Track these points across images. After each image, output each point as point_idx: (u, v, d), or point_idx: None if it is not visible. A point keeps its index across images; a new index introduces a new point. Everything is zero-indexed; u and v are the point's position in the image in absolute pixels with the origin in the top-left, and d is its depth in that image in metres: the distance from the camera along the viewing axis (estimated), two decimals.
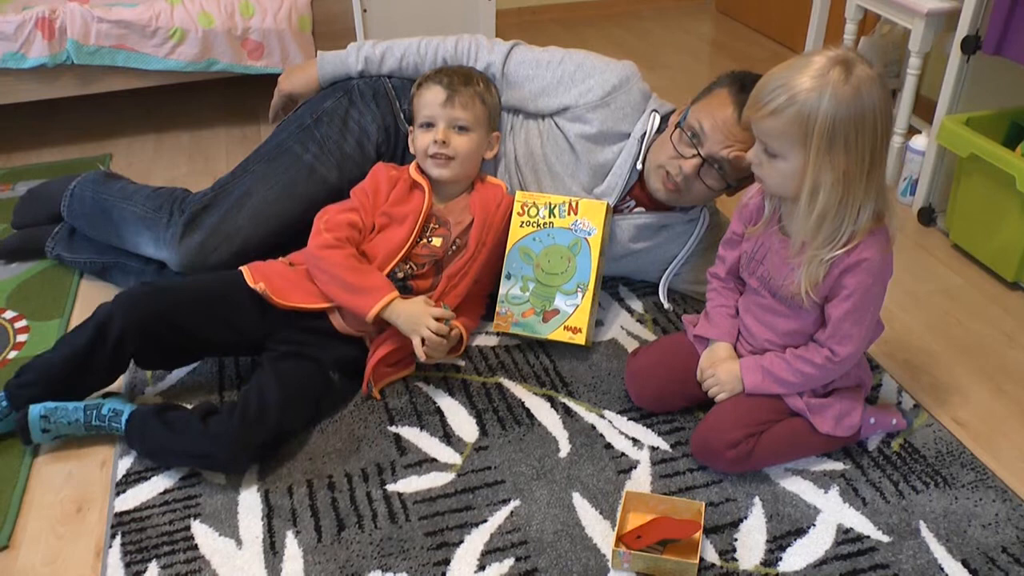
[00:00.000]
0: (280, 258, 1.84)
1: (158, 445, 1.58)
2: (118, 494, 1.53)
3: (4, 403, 1.63)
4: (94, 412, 1.61)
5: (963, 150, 2.13)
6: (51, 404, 1.58)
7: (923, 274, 2.17)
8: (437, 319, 1.67)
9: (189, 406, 1.66)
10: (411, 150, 1.87)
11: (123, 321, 1.61)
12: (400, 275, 1.78)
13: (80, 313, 2.03)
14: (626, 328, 1.95)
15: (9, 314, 2.02)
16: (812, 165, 1.34)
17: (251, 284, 1.70)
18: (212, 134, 2.95)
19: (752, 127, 1.41)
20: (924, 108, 2.61)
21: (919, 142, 2.41)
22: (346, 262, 1.72)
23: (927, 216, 2.37)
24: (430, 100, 1.80)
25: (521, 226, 1.87)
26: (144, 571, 1.39)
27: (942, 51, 2.42)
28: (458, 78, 1.82)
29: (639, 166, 1.88)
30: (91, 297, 2.09)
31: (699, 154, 1.75)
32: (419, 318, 1.67)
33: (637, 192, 1.94)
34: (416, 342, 1.67)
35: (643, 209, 1.96)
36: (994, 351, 1.91)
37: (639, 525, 1.42)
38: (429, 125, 1.81)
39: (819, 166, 1.34)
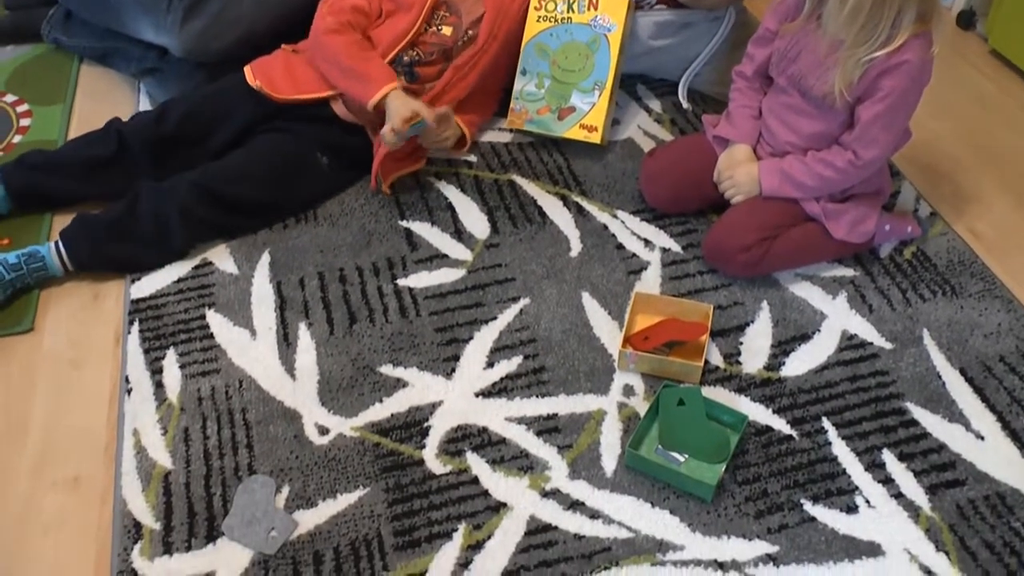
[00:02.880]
0: (284, 46, 1.78)
1: (112, 256, 1.57)
2: (133, 282, 1.55)
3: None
4: (1, 267, 1.49)
5: None
6: None
7: (957, 80, 2.08)
8: (407, 120, 1.58)
9: None
10: None
11: (138, 148, 1.65)
12: (406, 60, 1.72)
13: (82, 99, 1.99)
14: (643, 128, 1.90)
15: (10, 98, 1.98)
16: None
17: (250, 82, 1.68)
18: None
19: None
20: None
21: None
22: (348, 48, 1.66)
23: (967, 19, 2.24)
24: None
25: (538, 21, 1.78)
26: (163, 357, 1.44)
27: None
28: None
29: None
30: (92, 84, 2.04)
31: None
32: (392, 115, 1.59)
33: None
34: (389, 139, 1.60)
35: (665, 6, 1.86)
36: (1021, 162, 1.85)
37: (647, 326, 1.44)
38: None
39: None
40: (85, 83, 2.04)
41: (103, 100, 1.97)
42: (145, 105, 1.94)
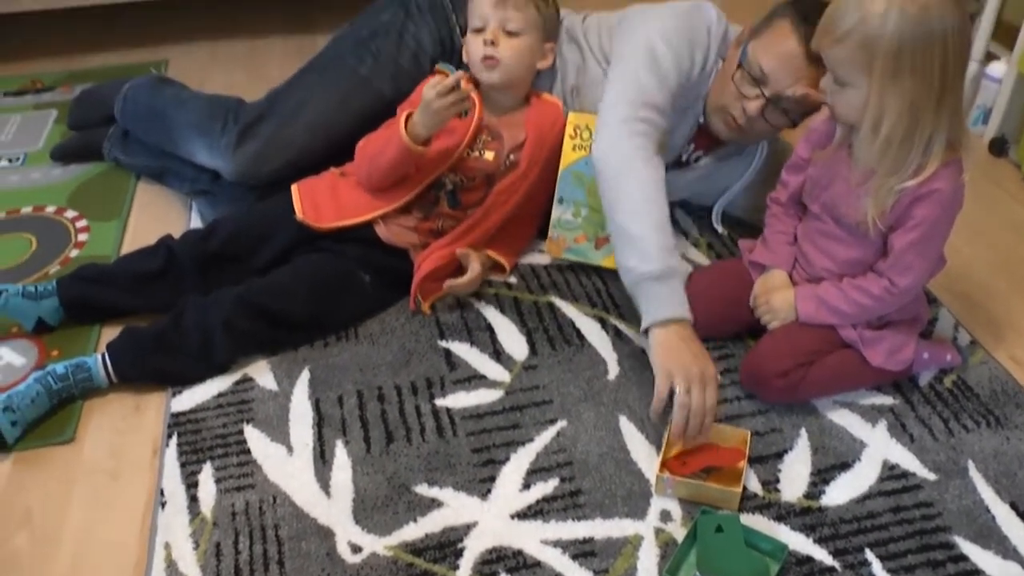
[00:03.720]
0: (333, 168, 1.85)
1: (156, 368, 1.59)
2: (174, 395, 1.58)
3: (53, 292, 1.69)
4: (50, 377, 1.52)
5: None
6: (3, 395, 1.48)
7: (991, 207, 2.10)
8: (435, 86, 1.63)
9: None
10: (464, 60, 1.83)
11: (187, 263, 1.71)
12: (449, 186, 1.77)
13: (137, 215, 2.07)
14: (680, 252, 1.92)
15: (70, 213, 2.07)
16: (876, 92, 1.30)
17: (298, 213, 1.75)
18: (268, 44, 2.93)
19: (823, 55, 1.36)
20: (1005, 33, 2.49)
21: (997, 69, 2.31)
22: (371, 139, 1.76)
23: (999, 147, 2.28)
24: (482, 1, 1.75)
25: (573, 149, 1.80)
26: (199, 471, 1.44)
27: None
28: None
29: (700, 120, 1.81)
30: (148, 200, 2.12)
31: (763, 94, 1.67)
32: (424, 103, 1.63)
33: (697, 138, 1.87)
34: (444, 116, 1.64)
35: (702, 152, 1.90)
36: None
37: (684, 451, 1.43)
38: (480, 29, 1.75)
39: (883, 93, 1.30)
40: (141, 200, 2.12)
41: (157, 217, 2.05)
42: (196, 223, 2.00)
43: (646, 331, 1.50)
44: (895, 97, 1.30)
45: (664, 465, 1.41)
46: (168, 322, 1.60)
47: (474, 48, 1.75)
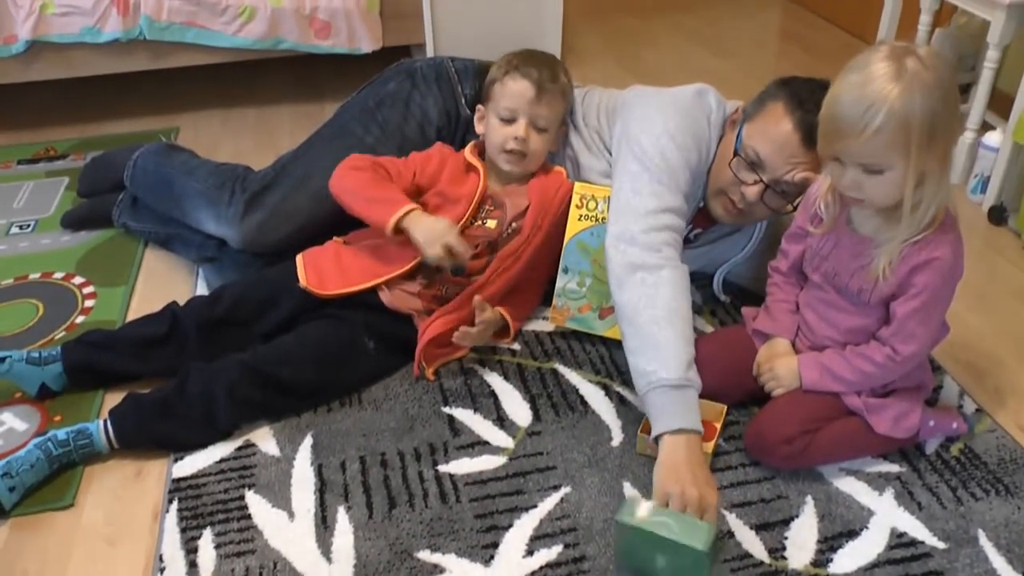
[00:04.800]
0: (336, 238, 1.87)
1: (159, 434, 1.59)
2: (176, 461, 1.57)
3: (57, 357, 1.69)
4: (50, 443, 1.52)
5: None
6: (2, 461, 1.48)
7: (992, 274, 2.11)
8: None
9: None
10: (477, 131, 1.86)
11: (191, 328, 1.72)
12: None
13: (144, 281, 2.09)
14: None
15: (78, 279, 2.08)
16: (915, 162, 1.30)
17: (302, 281, 1.77)
18: (277, 111, 2.99)
19: (841, 155, 1.35)
20: (1000, 103, 2.54)
21: (993, 138, 2.34)
22: (372, 178, 1.77)
23: (998, 215, 2.30)
24: (517, 93, 1.77)
25: (579, 219, 1.81)
26: (199, 537, 1.43)
27: (1022, 44, 2.35)
28: (547, 73, 1.78)
29: (700, 204, 1.82)
30: (155, 266, 2.14)
31: (761, 180, 1.66)
32: (442, 234, 1.66)
33: (696, 219, 1.87)
34: (431, 253, 1.66)
35: (701, 229, 1.90)
36: None
37: None
38: (510, 120, 1.78)
39: (922, 160, 1.30)
40: (148, 266, 2.14)
41: (163, 283, 2.07)
42: (202, 289, 2.02)
43: (656, 439, 1.46)
44: (931, 160, 1.31)
45: (644, 430, 1.55)
46: (172, 388, 1.60)
47: (499, 138, 1.78)
